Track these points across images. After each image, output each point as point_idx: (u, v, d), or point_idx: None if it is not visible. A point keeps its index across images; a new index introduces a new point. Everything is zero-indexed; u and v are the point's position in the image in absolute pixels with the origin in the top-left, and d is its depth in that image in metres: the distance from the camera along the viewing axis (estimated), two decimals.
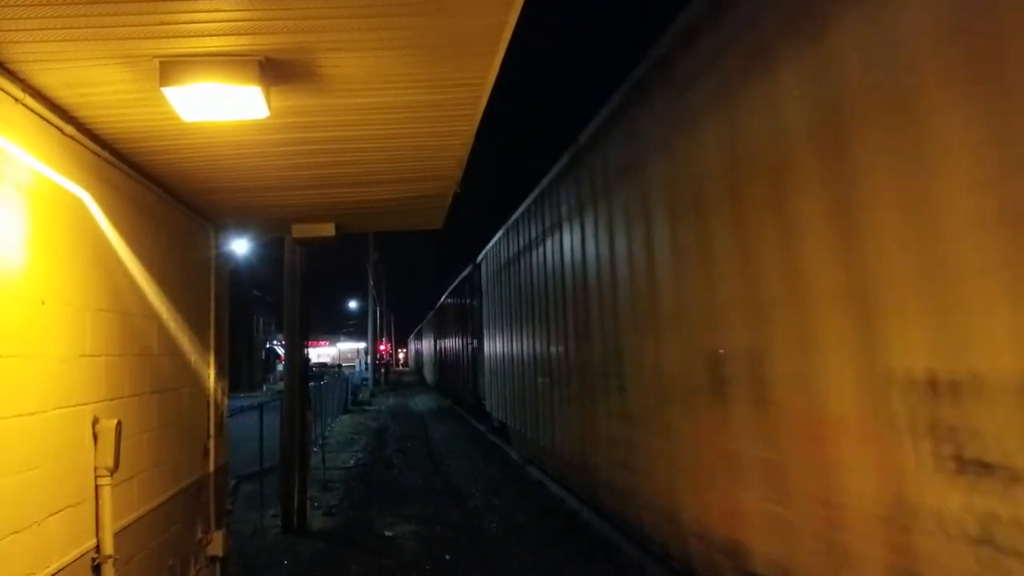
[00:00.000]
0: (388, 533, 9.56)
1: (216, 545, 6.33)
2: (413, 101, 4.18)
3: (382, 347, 57.35)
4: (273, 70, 3.47)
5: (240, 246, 10.08)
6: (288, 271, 10.28)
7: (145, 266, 4.97)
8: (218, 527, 6.46)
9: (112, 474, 4.10)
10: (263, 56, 3.36)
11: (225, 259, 7.21)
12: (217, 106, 3.52)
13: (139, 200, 4.95)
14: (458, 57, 3.64)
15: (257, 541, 9.14)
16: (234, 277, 7.99)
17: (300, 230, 7.74)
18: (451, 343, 27.65)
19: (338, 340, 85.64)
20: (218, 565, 6.44)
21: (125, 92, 3.66)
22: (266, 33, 3.19)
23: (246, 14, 3.03)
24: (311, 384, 11.88)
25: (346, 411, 27.32)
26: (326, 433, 19.07)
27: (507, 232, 13.50)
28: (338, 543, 9.21)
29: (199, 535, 6.06)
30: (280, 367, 36.34)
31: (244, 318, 38.11)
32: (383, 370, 53.54)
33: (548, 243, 10.09)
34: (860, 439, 3.61)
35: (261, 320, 46.51)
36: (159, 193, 5.32)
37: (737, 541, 4.81)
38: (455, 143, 5.02)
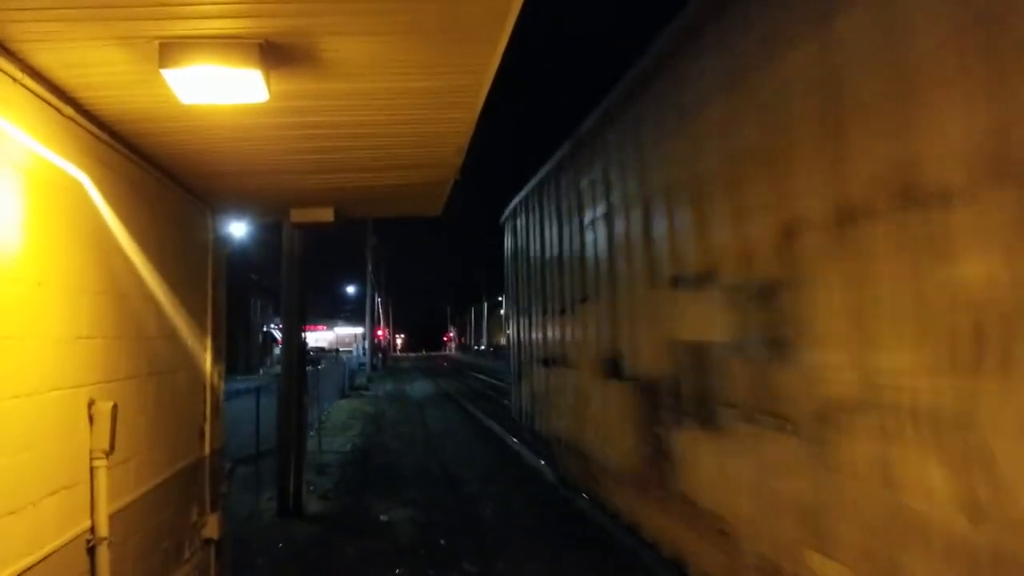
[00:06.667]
0: (384, 518, 9.60)
1: (211, 528, 6.34)
2: (413, 87, 4.15)
3: (380, 332, 57.37)
4: (273, 53, 3.44)
5: (238, 229, 10.06)
6: (286, 256, 10.26)
7: (143, 248, 4.95)
8: (213, 510, 6.48)
9: (107, 456, 4.10)
10: (263, 39, 3.33)
11: (223, 242, 7.19)
12: (216, 89, 3.50)
13: (137, 182, 4.93)
14: (460, 43, 3.61)
15: (253, 524, 9.17)
16: (232, 260, 7.97)
17: (299, 214, 7.72)
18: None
19: (336, 324, 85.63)
20: (213, 548, 6.45)
21: (124, 73, 3.63)
22: (267, 16, 3.16)
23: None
24: (308, 369, 11.90)
25: (343, 396, 27.36)
26: (323, 417, 19.12)
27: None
28: (334, 527, 9.25)
29: (194, 518, 6.07)
30: (277, 351, 36.32)
31: (241, 301, 38.09)
32: (380, 355, 53.57)
33: None
34: None
35: (259, 303, 46.49)
36: (157, 175, 5.30)
37: None
38: (456, 130, 4.99)
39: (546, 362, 10.57)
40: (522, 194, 12.33)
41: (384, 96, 4.25)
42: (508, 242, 14.47)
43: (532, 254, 11.76)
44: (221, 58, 3.29)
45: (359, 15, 3.22)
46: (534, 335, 11.78)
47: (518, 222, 13.04)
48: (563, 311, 9.62)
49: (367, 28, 3.36)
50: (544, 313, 10.93)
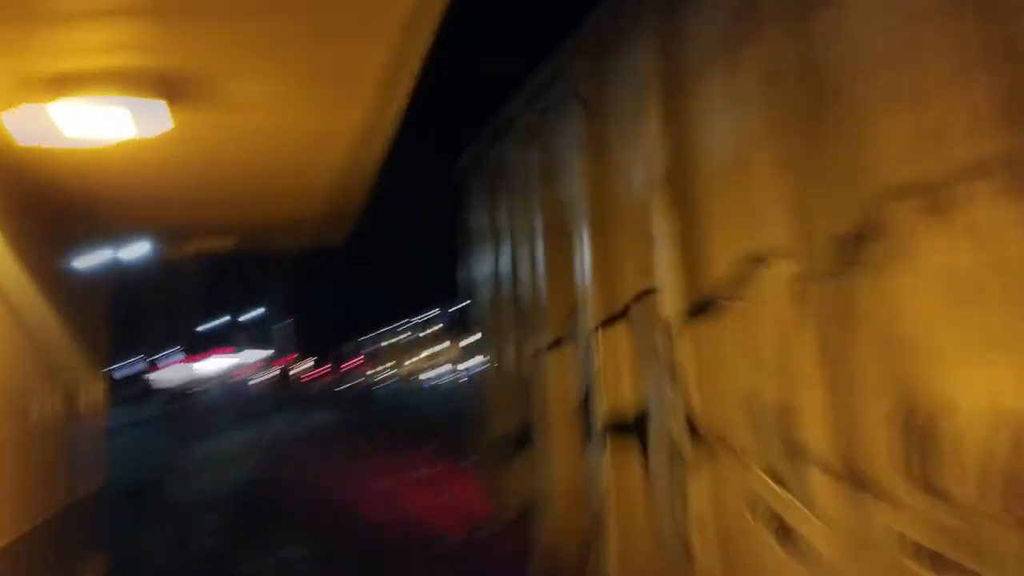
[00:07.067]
0: (275, 555, 9.30)
1: (90, 573, 6.00)
2: (316, 124, 4.16)
3: (284, 359, 55.83)
4: (169, 89, 3.36)
5: (131, 256, 9.69)
6: (178, 283, 9.94)
7: (25, 278, 4.69)
8: (92, 555, 6.13)
9: None
10: (158, 75, 3.26)
11: (112, 271, 6.90)
12: (106, 125, 3.40)
13: (24, 210, 4.68)
14: (361, 85, 3.63)
15: (136, 564, 8.72)
16: (124, 287, 7.66)
17: (197, 243, 7.54)
18: None
19: (240, 349, 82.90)
20: None
21: (16, 103, 3.47)
22: (162, 51, 3.11)
23: (142, 36, 2.95)
24: (192, 401, 11.47)
25: (240, 426, 26.41)
26: (212, 451, 18.40)
27: None
28: (225, 566, 8.89)
29: (71, 563, 5.73)
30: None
31: (132, 329, 36.43)
32: (285, 382, 51.96)
33: None
34: None
35: (149, 333, 44.57)
36: (47, 203, 5.05)
37: None
38: (359, 168, 5.00)
39: (627, 428, 4.89)
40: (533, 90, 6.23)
41: (285, 133, 4.23)
42: (477, 206, 8.25)
43: (575, 202, 5.44)
44: (115, 92, 3.21)
45: (254, 57, 3.22)
46: (576, 368, 5.77)
47: (510, 155, 7.08)
48: (701, 310, 3.89)
49: (263, 69, 3.36)
50: (641, 319, 4.74)
